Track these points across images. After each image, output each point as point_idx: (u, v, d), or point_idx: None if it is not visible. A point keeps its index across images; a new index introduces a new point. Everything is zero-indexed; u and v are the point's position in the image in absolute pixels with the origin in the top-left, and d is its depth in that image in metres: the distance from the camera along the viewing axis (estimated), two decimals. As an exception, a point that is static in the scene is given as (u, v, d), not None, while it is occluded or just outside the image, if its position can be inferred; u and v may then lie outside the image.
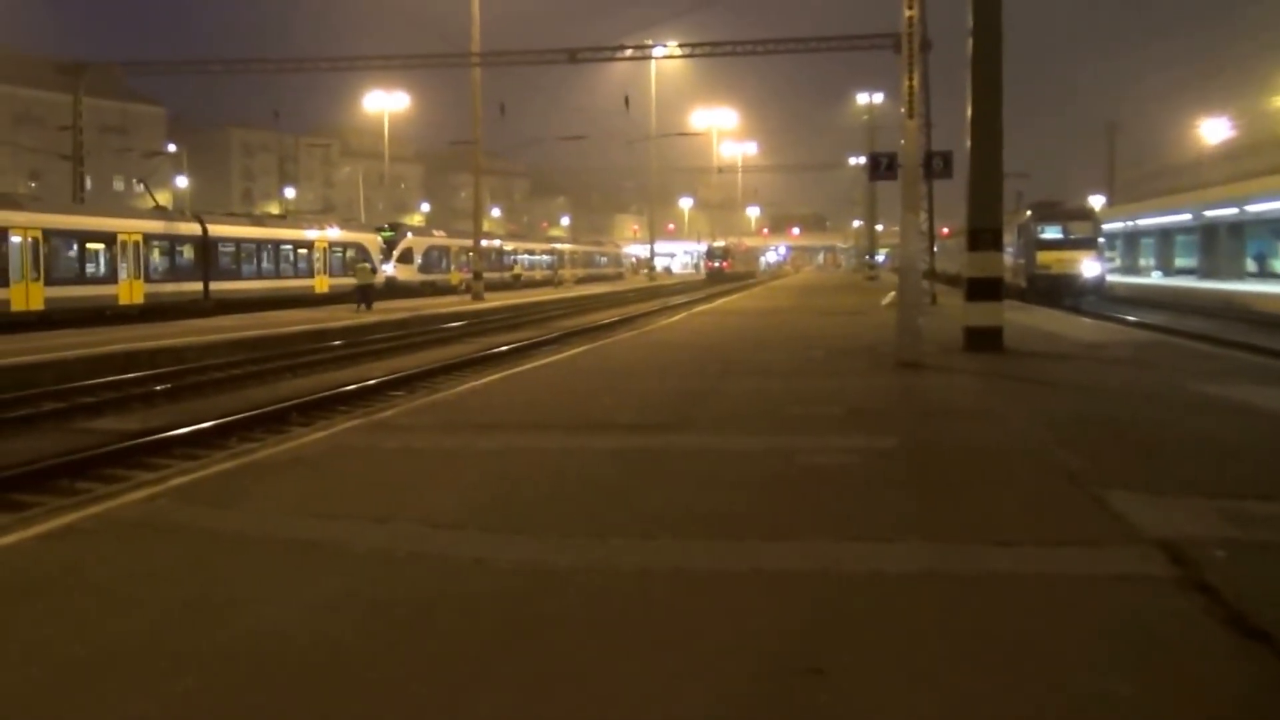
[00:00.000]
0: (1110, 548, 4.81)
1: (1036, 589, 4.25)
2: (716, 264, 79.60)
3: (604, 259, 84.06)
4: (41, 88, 69.01)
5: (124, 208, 44.74)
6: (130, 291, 30.04)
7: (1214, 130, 66.50)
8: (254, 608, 4.20)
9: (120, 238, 29.92)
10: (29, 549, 5.10)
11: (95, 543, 5.27)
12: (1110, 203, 76.03)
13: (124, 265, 29.97)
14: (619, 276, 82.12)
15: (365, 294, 31.88)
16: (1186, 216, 51.08)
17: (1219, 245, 48.25)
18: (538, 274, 62.35)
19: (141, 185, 40.67)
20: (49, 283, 27.18)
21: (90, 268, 29.23)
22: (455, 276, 49.52)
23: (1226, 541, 4.79)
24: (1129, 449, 7.26)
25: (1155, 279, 52.05)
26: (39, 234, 26.96)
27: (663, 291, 54.91)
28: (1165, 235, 56.96)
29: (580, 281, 66.06)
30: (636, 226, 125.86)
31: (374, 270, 34.84)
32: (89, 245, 29.14)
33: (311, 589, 4.41)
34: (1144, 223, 58.98)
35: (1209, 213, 47.39)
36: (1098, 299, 31.75)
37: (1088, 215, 35.14)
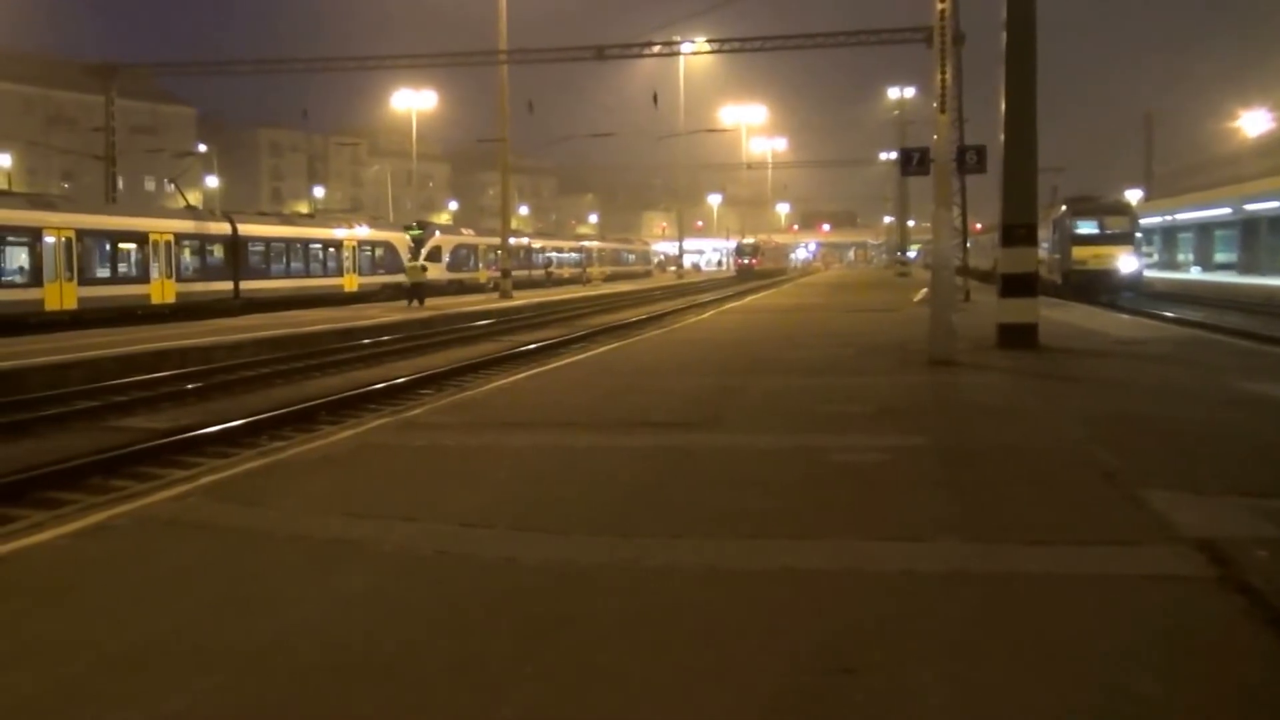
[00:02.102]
0: (1148, 547, 4.72)
1: (1072, 589, 4.19)
2: (746, 261, 79.40)
3: (632, 256, 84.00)
4: (74, 89, 70.00)
5: (155, 208, 45.31)
6: (162, 291, 30.35)
7: (1254, 122, 65.44)
8: (284, 605, 4.21)
9: (152, 237, 30.23)
10: (63, 546, 5.15)
11: (128, 540, 5.32)
12: (1148, 197, 75.09)
13: (155, 265, 30.26)
14: (647, 274, 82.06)
15: (417, 291, 33.29)
16: (1226, 210, 50.39)
17: (1260, 240, 47.53)
18: (565, 272, 62.46)
19: (172, 185, 41.17)
20: (82, 282, 27.49)
21: (122, 267, 29.53)
22: (483, 275, 49.72)
23: (1268, 541, 4.69)
24: (1168, 447, 7.14)
25: (1194, 274, 51.38)
26: (72, 234, 27.29)
27: (691, 289, 54.82)
28: (1204, 230, 56.21)
29: (608, 279, 66.07)
30: (665, 224, 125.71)
31: (424, 269, 36.48)
32: (121, 245, 29.44)
33: (341, 587, 4.42)
34: (1182, 217, 58.27)
35: (1250, 206, 46.72)
36: (1135, 295, 31.33)
37: (1124, 210, 34.64)
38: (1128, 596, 4.09)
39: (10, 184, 47.05)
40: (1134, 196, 68.16)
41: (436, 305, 33.18)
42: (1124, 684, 3.27)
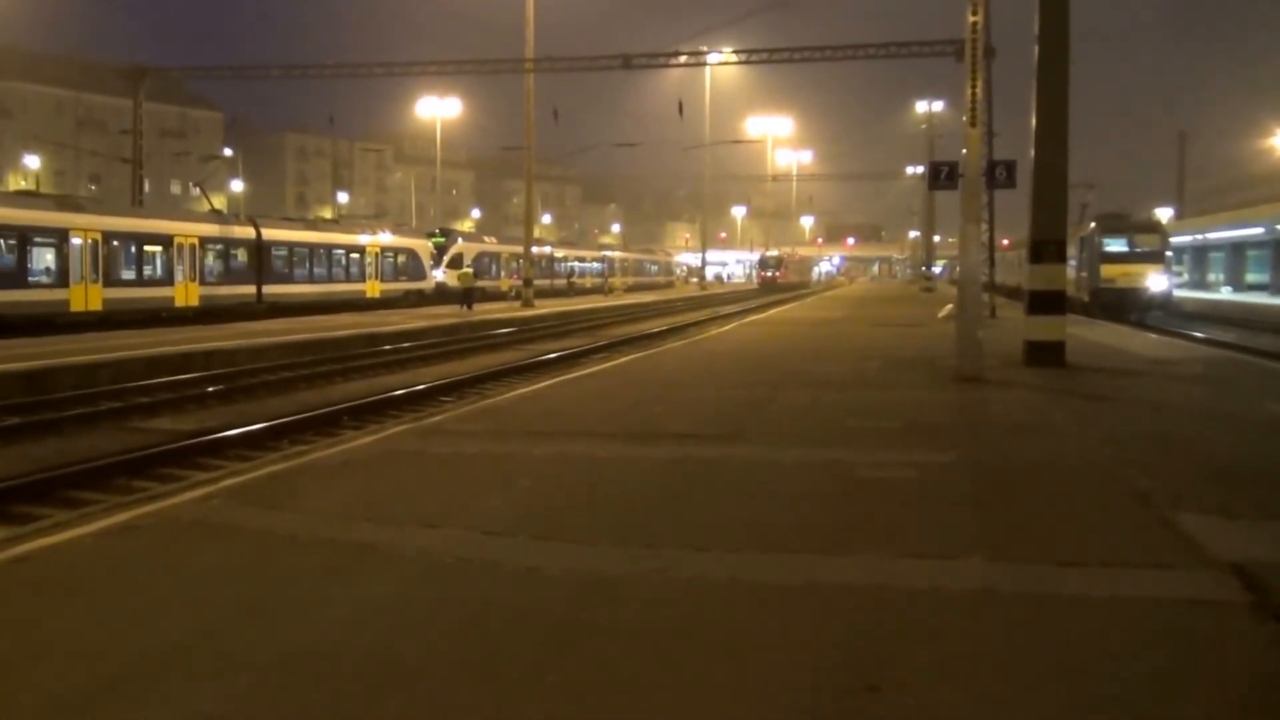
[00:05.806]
0: (1180, 571, 4.64)
1: (1102, 611, 4.12)
2: (769, 274, 79.32)
3: (654, 267, 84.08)
4: (103, 92, 70.92)
5: (181, 211, 45.67)
6: (186, 294, 30.57)
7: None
8: (306, 609, 4.20)
9: (176, 241, 30.47)
10: (88, 545, 5.17)
11: (151, 541, 5.33)
12: (1179, 215, 74.30)
13: (180, 268, 30.50)
14: (669, 285, 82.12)
15: (467, 296, 35.83)
16: (1259, 230, 49.76)
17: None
18: (588, 281, 62.57)
19: (198, 189, 41.60)
20: (108, 284, 27.74)
21: (147, 270, 29.77)
22: (505, 283, 49.88)
23: (1305, 567, 4.58)
24: (1200, 469, 7.02)
25: (1225, 294, 50.78)
26: (99, 236, 27.54)
27: (714, 301, 54.76)
28: (1236, 249, 55.52)
29: (630, 289, 66.13)
30: (688, 234, 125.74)
31: (475, 275, 39.54)
32: (146, 248, 29.69)
33: (364, 592, 4.40)
34: (1214, 236, 57.57)
35: (1284, 226, 46.02)
36: (1164, 314, 30.99)
37: (1155, 227, 34.22)
38: (1160, 621, 4.01)
39: (39, 186, 47.61)
40: (1165, 215, 67.54)
41: (459, 312, 33.31)
42: (1157, 709, 3.21)
